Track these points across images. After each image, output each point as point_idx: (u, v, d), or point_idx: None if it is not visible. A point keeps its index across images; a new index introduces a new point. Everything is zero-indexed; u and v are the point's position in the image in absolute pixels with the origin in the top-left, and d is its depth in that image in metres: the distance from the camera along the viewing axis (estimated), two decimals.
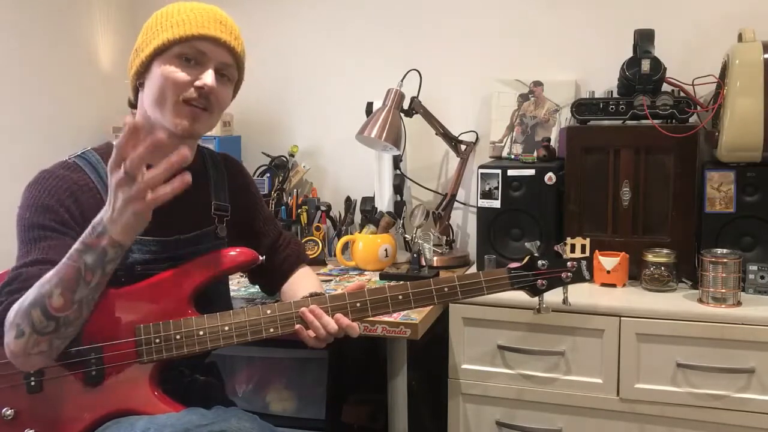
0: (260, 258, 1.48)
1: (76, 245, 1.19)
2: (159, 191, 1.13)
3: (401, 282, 1.44)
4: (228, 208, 1.53)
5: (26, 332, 1.19)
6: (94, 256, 1.18)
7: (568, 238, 1.92)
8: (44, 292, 1.18)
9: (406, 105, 2.17)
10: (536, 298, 1.48)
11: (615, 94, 2.02)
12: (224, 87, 1.41)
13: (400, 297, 1.41)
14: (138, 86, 1.42)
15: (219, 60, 1.38)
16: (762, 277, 1.78)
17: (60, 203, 1.32)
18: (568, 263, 1.47)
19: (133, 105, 1.46)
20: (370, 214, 2.23)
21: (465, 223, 2.39)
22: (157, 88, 1.36)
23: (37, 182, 1.35)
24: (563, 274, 1.46)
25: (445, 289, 1.42)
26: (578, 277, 1.47)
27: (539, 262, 1.46)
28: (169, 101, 1.35)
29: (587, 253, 1.89)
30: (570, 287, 1.49)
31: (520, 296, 1.49)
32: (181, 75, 1.34)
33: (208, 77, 1.35)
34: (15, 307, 1.21)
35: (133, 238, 1.20)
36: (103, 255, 1.18)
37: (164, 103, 1.35)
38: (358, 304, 1.40)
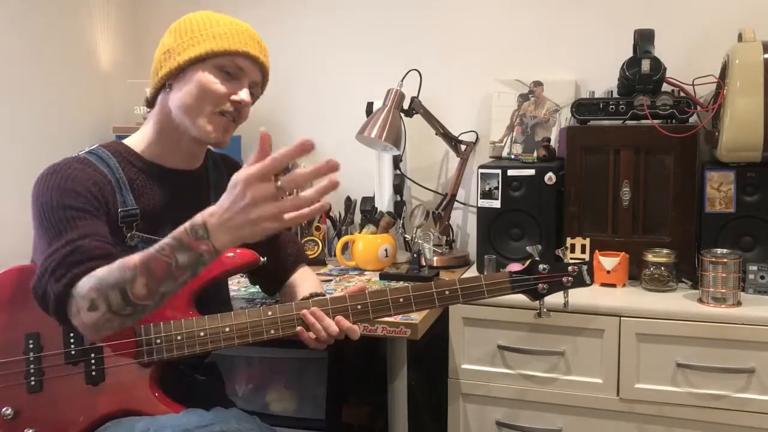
0: (261, 260, 1.49)
1: (168, 240, 1.18)
2: (300, 213, 1.15)
3: (402, 284, 1.44)
4: None
5: (101, 309, 1.19)
6: (189, 258, 1.17)
7: (568, 238, 1.92)
8: (127, 277, 1.17)
9: (406, 105, 2.17)
10: (537, 302, 1.48)
11: (615, 94, 2.02)
12: (251, 102, 1.47)
13: (401, 300, 1.41)
14: (165, 86, 1.42)
15: (253, 78, 1.44)
16: (762, 277, 1.78)
17: (86, 189, 1.31)
18: (569, 267, 1.47)
19: (151, 104, 1.47)
20: (370, 214, 2.23)
21: (465, 223, 2.39)
22: (193, 96, 1.38)
23: (54, 173, 1.32)
24: (564, 279, 1.46)
25: (446, 292, 1.42)
26: (579, 282, 1.47)
27: (540, 266, 1.46)
28: (205, 110, 1.39)
29: (587, 253, 1.89)
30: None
31: (520, 296, 1.49)
32: (220, 87, 1.39)
33: (244, 93, 1.42)
34: (90, 281, 1.20)
35: (230, 248, 1.20)
36: (198, 258, 1.18)
37: (200, 111, 1.39)
38: (359, 307, 1.40)
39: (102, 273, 1.21)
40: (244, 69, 1.42)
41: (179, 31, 1.43)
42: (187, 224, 1.18)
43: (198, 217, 1.17)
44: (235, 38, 1.41)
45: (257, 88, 1.48)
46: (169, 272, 1.18)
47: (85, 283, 1.21)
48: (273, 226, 1.14)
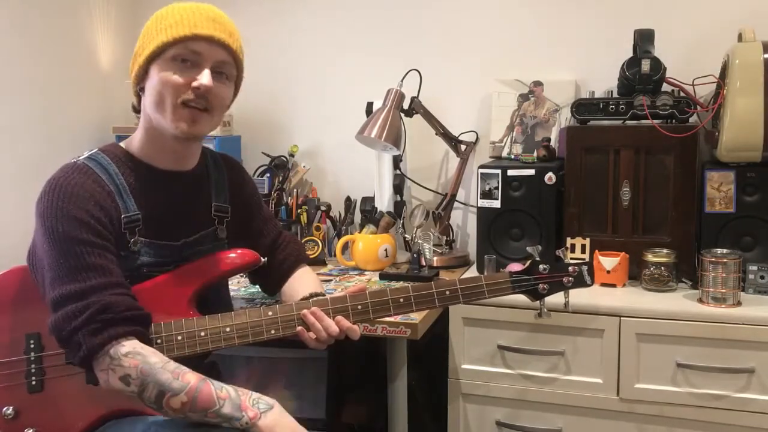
0: (262, 260, 1.49)
1: (230, 388, 1.23)
2: None
3: (403, 284, 1.44)
4: (228, 209, 1.54)
5: (131, 388, 1.22)
6: (232, 413, 1.20)
7: (568, 238, 1.92)
8: (174, 387, 1.20)
9: (406, 105, 2.17)
10: (537, 302, 1.48)
11: (615, 94, 2.02)
12: (223, 85, 1.39)
13: (402, 300, 1.41)
14: (139, 91, 1.42)
15: (215, 59, 1.36)
16: (762, 277, 1.78)
17: (90, 215, 1.29)
18: (570, 268, 1.47)
19: (137, 110, 1.46)
20: (370, 214, 2.23)
21: (465, 223, 2.39)
22: (155, 93, 1.35)
23: (54, 190, 1.30)
24: (565, 279, 1.46)
25: (447, 293, 1.42)
26: (580, 282, 1.47)
27: (541, 267, 1.45)
28: (167, 105, 1.35)
29: (587, 253, 1.89)
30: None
31: (520, 296, 1.49)
32: (176, 78, 1.34)
33: (204, 77, 1.34)
34: (137, 359, 1.22)
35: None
36: (238, 419, 1.20)
37: (163, 106, 1.35)
38: (359, 307, 1.40)
39: (154, 361, 1.22)
40: (201, 52, 1.34)
41: (143, 33, 1.40)
42: (257, 393, 1.24)
43: (270, 399, 1.24)
44: (184, 24, 1.34)
45: (228, 68, 1.40)
46: (207, 409, 1.20)
47: (130, 355, 1.22)
48: None
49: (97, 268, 1.26)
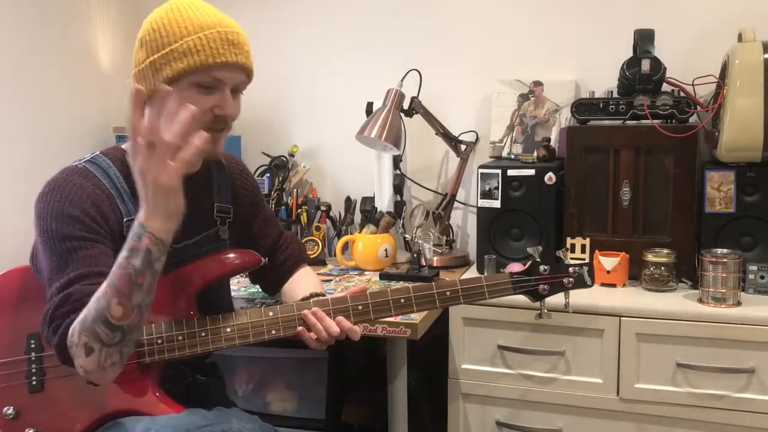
0: (263, 260, 1.49)
1: (122, 252, 1.18)
2: (181, 155, 1.13)
3: (403, 285, 1.44)
4: (230, 209, 1.53)
5: (95, 348, 1.18)
6: (140, 259, 1.17)
7: (568, 238, 1.92)
8: (102, 305, 1.17)
9: (406, 105, 2.17)
10: (538, 303, 1.48)
11: (615, 94, 2.02)
12: (238, 101, 1.39)
13: (402, 300, 1.41)
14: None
15: (235, 82, 1.36)
16: (762, 277, 1.78)
17: (84, 213, 1.29)
18: (570, 269, 1.47)
19: None
20: (370, 214, 2.23)
21: (465, 223, 2.39)
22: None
23: (53, 191, 1.30)
24: (565, 280, 1.46)
25: (447, 293, 1.42)
26: (580, 283, 1.47)
27: (541, 268, 1.46)
28: None
29: (587, 253, 1.89)
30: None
31: (520, 297, 1.49)
32: (199, 105, 1.28)
33: (228, 105, 1.34)
34: (76, 326, 1.19)
35: (172, 230, 1.19)
36: (148, 255, 1.17)
37: None
38: (360, 307, 1.40)
39: (83, 314, 1.20)
40: (223, 79, 1.33)
41: (150, 45, 1.33)
42: (131, 230, 1.19)
43: (135, 221, 1.19)
44: (207, 50, 1.30)
45: (244, 85, 1.40)
46: (131, 282, 1.17)
47: (74, 330, 1.20)
48: (164, 180, 1.14)
49: (82, 259, 1.26)
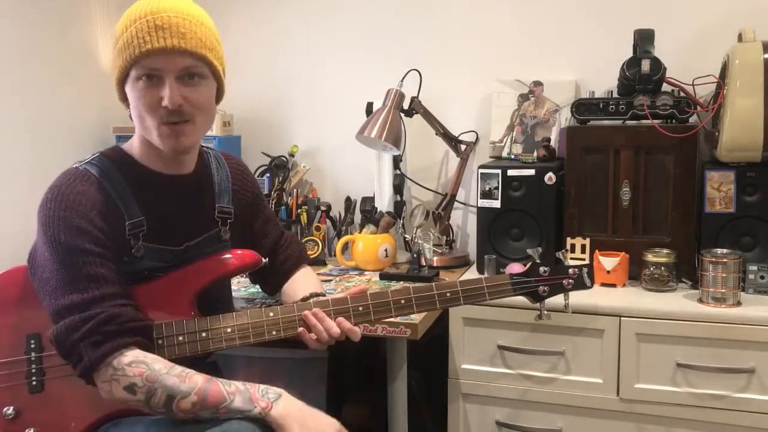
0: (263, 261, 1.48)
1: (238, 383, 1.24)
2: None
3: (403, 285, 1.44)
4: (231, 210, 1.53)
5: (138, 397, 1.22)
6: (244, 405, 1.22)
7: (568, 238, 1.92)
8: (182, 390, 1.20)
9: (406, 105, 2.17)
10: (538, 304, 1.48)
11: (615, 94, 2.02)
12: (197, 89, 1.33)
13: (403, 301, 1.41)
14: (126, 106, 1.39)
15: (177, 67, 1.29)
16: (762, 277, 1.78)
17: (91, 223, 1.28)
18: (570, 270, 1.47)
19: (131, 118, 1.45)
20: (370, 214, 2.23)
21: (465, 223, 2.39)
22: (136, 115, 1.34)
23: (57, 198, 1.29)
24: (565, 281, 1.46)
25: (448, 294, 1.42)
26: (580, 285, 1.47)
27: (541, 269, 1.46)
28: (149, 125, 1.33)
29: (587, 253, 1.89)
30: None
31: (520, 297, 1.49)
32: (147, 99, 1.30)
33: (167, 95, 1.28)
34: (140, 367, 1.22)
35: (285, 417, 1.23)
36: (249, 410, 1.22)
37: (146, 126, 1.34)
38: (360, 308, 1.40)
39: (159, 367, 1.23)
40: (158, 67, 1.28)
41: (113, 45, 1.34)
42: (264, 385, 1.25)
43: (278, 389, 1.25)
44: (134, 42, 1.27)
45: (199, 69, 1.32)
46: (218, 406, 1.21)
47: (134, 364, 1.22)
48: None
49: (99, 278, 1.26)
